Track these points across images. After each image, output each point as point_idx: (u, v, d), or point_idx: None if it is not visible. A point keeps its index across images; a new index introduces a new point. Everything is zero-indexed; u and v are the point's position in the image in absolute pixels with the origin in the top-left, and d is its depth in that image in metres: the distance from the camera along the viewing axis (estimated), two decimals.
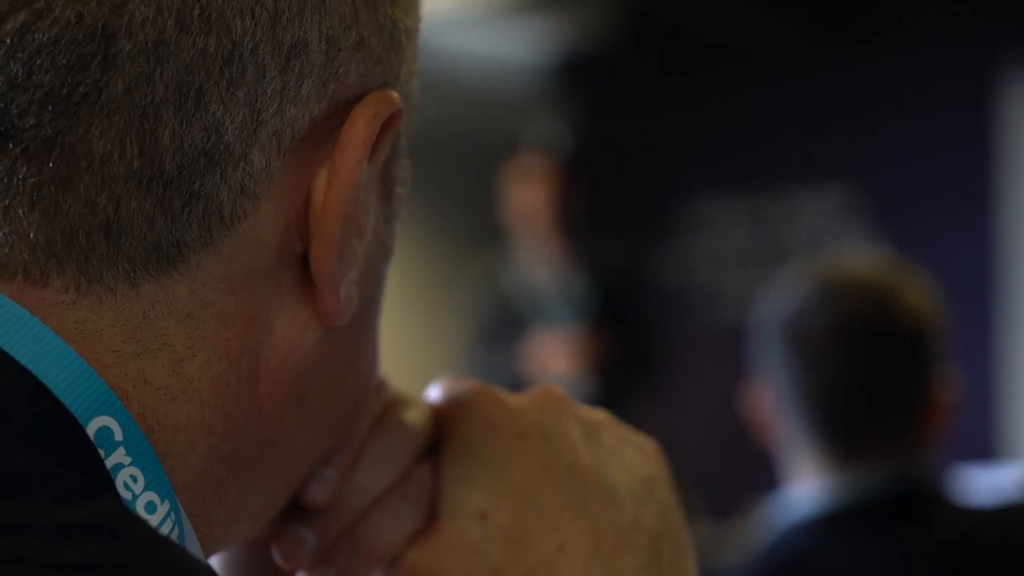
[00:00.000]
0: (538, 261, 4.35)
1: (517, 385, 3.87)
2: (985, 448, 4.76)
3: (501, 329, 4.26)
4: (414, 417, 0.64)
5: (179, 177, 0.50)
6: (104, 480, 0.50)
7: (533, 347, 4.18)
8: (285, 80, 0.52)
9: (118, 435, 0.50)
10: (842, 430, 1.69)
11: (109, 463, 0.50)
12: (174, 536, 0.51)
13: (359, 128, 0.54)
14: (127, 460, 0.50)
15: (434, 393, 0.66)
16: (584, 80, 6.20)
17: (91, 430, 0.50)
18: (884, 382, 1.71)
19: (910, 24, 5.31)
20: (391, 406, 0.64)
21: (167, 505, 0.51)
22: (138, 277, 0.51)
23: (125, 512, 0.49)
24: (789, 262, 4.50)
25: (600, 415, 0.66)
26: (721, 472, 5.33)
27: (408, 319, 6.19)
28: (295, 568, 0.62)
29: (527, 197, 4.33)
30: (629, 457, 0.64)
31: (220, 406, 0.53)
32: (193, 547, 0.53)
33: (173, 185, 0.50)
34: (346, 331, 0.57)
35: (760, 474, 2.65)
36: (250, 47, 0.51)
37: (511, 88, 6.42)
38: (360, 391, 0.61)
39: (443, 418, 0.64)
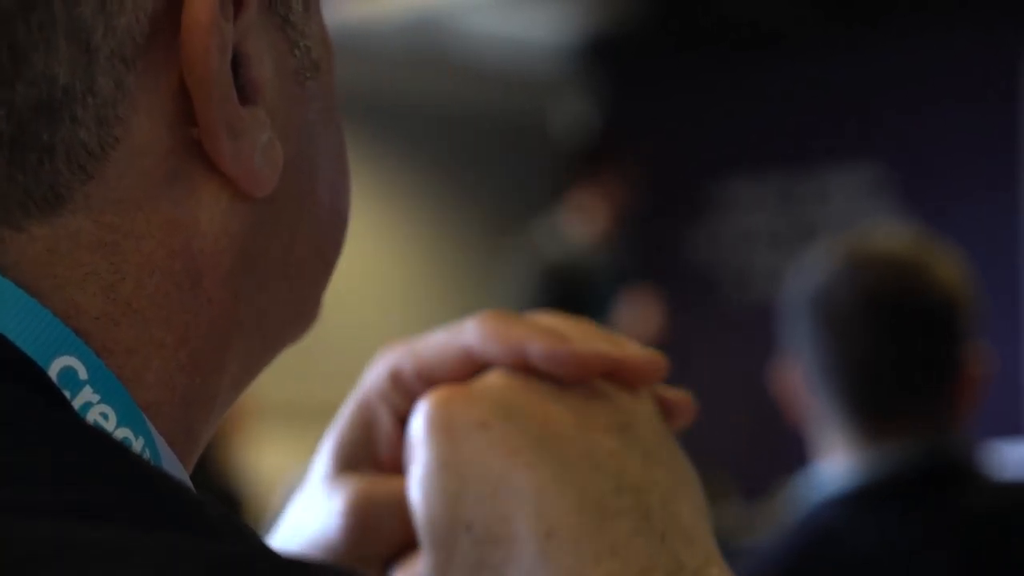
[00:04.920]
0: (588, 234, 4.46)
1: None
2: (1016, 424, 4.74)
3: (555, 300, 4.33)
4: None
5: (24, 135, 0.48)
6: None
7: (618, 316, 4.29)
8: None
9: (82, 374, 0.49)
10: (871, 405, 1.69)
11: (76, 403, 0.48)
12: None
13: None
14: (95, 398, 0.49)
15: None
16: (612, 60, 6.18)
17: (53, 371, 0.48)
18: (913, 356, 1.70)
19: (942, 1, 5.29)
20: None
21: (141, 441, 0.50)
22: (27, 226, 0.49)
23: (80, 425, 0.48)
24: (818, 241, 4.49)
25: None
26: (751, 451, 5.32)
27: (435, 300, 6.19)
28: None
29: (598, 188, 4.49)
30: (599, 408, 0.61)
31: (165, 318, 0.51)
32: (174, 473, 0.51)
33: (19, 144, 0.48)
34: (283, 185, 0.54)
35: (790, 453, 2.65)
36: None
37: (537, 69, 6.41)
38: (323, 225, 0.57)
39: (409, 431, 0.61)
